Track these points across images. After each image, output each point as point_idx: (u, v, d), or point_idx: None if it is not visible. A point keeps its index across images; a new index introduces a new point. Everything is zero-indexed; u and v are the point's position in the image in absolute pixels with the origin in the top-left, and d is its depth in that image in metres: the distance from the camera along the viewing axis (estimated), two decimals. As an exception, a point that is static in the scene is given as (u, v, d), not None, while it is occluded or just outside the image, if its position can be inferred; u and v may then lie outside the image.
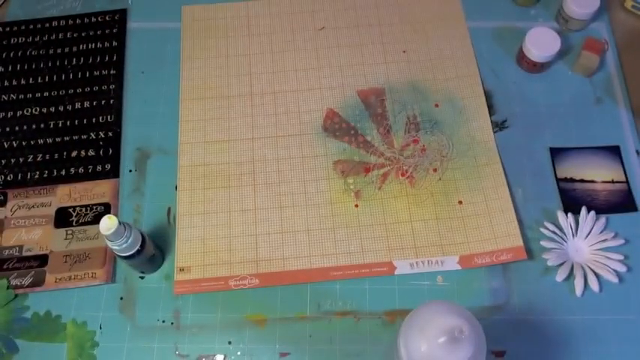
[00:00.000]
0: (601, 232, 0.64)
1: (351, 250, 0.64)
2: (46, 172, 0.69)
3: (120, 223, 0.54)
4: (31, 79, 0.76)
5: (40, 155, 0.70)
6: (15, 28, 0.79)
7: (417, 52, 0.76)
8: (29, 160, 0.70)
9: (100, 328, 0.62)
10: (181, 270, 0.64)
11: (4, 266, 0.64)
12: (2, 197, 0.68)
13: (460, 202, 0.66)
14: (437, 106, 0.72)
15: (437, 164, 0.68)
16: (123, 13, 0.80)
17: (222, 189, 0.68)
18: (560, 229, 0.65)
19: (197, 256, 0.64)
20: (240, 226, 0.66)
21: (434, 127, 0.70)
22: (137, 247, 0.57)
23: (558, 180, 0.68)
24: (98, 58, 0.77)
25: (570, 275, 0.62)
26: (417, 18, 0.78)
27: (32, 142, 0.71)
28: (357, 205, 0.66)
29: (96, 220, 0.66)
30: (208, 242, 0.65)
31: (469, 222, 0.65)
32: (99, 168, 0.70)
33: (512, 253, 0.63)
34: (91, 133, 0.72)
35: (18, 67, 0.76)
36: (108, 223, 0.54)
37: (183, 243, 0.65)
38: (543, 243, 0.64)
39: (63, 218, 0.66)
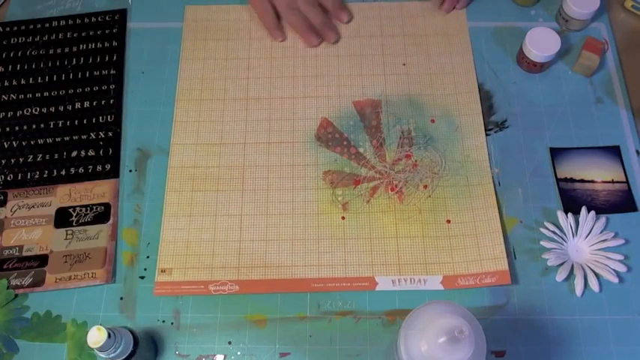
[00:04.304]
0: (601, 232, 0.64)
1: (334, 263, 0.64)
2: (46, 172, 0.69)
3: (109, 335, 0.50)
4: (31, 79, 0.76)
5: (40, 155, 0.70)
6: (15, 28, 0.79)
7: (418, 65, 0.75)
8: (29, 160, 0.70)
9: (100, 328, 0.62)
10: (162, 271, 0.64)
11: (4, 266, 0.64)
12: (2, 197, 0.68)
13: (448, 221, 0.65)
14: (433, 121, 0.71)
15: (428, 181, 0.68)
16: (123, 13, 0.80)
17: (210, 192, 0.68)
18: (560, 229, 0.65)
19: (179, 258, 0.64)
20: (224, 231, 0.66)
21: (428, 143, 0.70)
22: (126, 355, 0.53)
23: (558, 180, 0.68)
24: (98, 58, 0.77)
25: (570, 275, 0.63)
26: (420, 31, 0.77)
27: (32, 142, 0.71)
28: (343, 218, 0.66)
29: (96, 220, 0.66)
30: (192, 245, 0.65)
31: (456, 242, 0.64)
32: (99, 168, 0.70)
33: (497, 277, 0.62)
34: (91, 133, 0.72)
35: (18, 67, 0.76)
36: (97, 336, 0.50)
37: (166, 244, 0.65)
38: (543, 243, 0.64)
39: (63, 218, 0.67)
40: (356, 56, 0.76)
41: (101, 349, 0.51)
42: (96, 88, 0.75)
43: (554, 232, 0.64)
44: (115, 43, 0.78)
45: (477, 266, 0.63)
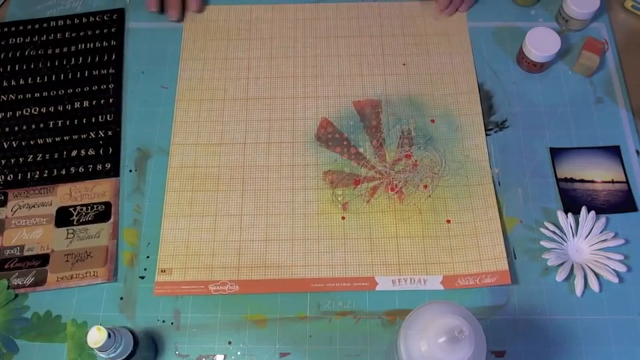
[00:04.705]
0: (601, 232, 0.64)
1: (334, 263, 0.64)
2: (46, 171, 0.69)
3: (109, 335, 0.51)
4: (30, 79, 0.76)
5: (40, 155, 0.70)
6: (13, 29, 0.79)
7: (418, 65, 0.75)
8: (29, 160, 0.70)
9: (101, 328, 0.62)
10: (162, 271, 0.64)
11: (6, 266, 0.64)
12: (3, 197, 0.68)
13: (448, 221, 0.65)
14: (433, 121, 0.71)
15: (428, 181, 0.68)
16: (121, 13, 0.80)
17: (210, 192, 0.68)
18: (560, 229, 0.65)
19: (179, 258, 0.64)
20: (224, 231, 0.66)
21: (428, 143, 0.70)
22: (126, 355, 0.53)
23: (558, 180, 0.68)
24: (97, 58, 0.77)
25: (570, 275, 0.63)
26: (421, 31, 0.77)
27: (32, 142, 0.71)
28: (343, 218, 0.66)
29: (97, 219, 0.66)
30: (192, 245, 0.65)
31: (456, 242, 0.64)
32: (99, 167, 0.70)
33: (497, 277, 0.62)
34: (91, 133, 0.72)
35: (17, 68, 0.76)
36: (97, 336, 0.50)
37: (166, 244, 0.65)
38: (543, 243, 0.64)
39: (64, 217, 0.67)
40: (356, 56, 0.76)
41: (101, 349, 0.51)
42: (95, 88, 0.75)
43: (554, 232, 0.64)
44: (113, 43, 0.78)
45: (477, 266, 0.63)
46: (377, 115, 0.72)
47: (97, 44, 0.78)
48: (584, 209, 0.65)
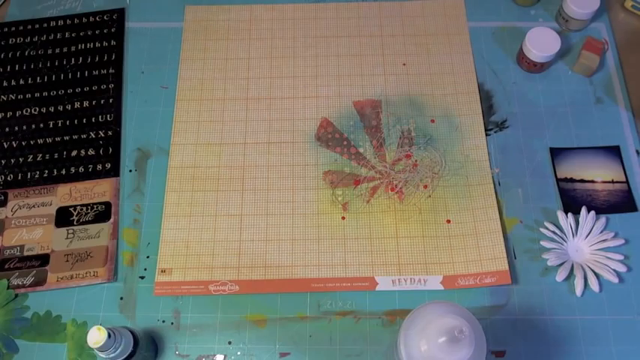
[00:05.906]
0: (601, 232, 0.64)
1: (334, 263, 0.64)
2: (47, 171, 0.69)
3: (109, 335, 0.51)
4: (30, 79, 0.76)
5: (40, 155, 0.71)
6: (13, 29, 0.79)
7: (418, 65, 0.75)
8: (29, 160, 0.70)
9: (101, 328, 0.62)
10: (162, 271, 0.64)
11: (6, 266, 0.64)
12: (3, 197, 0.68)
13: (448, 221, 0.66)
14: (433, 121, 0.71)
15: (428, 181, 0.68)
16: (121, 13, 0.80)
17: (210, 192, 0.68)
18: (560, 229, 0.65)
19: (179, 258, 0.64)
20: (225, 231, 0.66)
21: (428, 143, 0.70)
22: (126, 355, 0.53)
23: (558, 180, 0.68)
24: (97, 58, 0.77)
25: (570, 275, 0.63)
26: (420, 31, 0.77)
27: (32, 142, 0.71)
28: (343, 218, 0.66)
29: (97, 219, 0.66)
30: (192, 245, 0.65)
31: (455, 242, 0.64)
32: (99, 167, 0.70)
33: (497, 277, 0.62)
34: (91, 133, 0.72)
35: (17, 68, 0.76)
36: (97, 336, 0.50)
37: (166, 244, 0.65)
38: (543, 243, 0.64)
39: (64, 217, 0.67)
40: (356, 56, 0.76)
41: (101, 349, 0.51)
42: (95, 88, 0.75)
43: (554, 232, 0.64)
44: (113, 43, 0.78)
45: (477, 266, 0.63)
46: (377, 115, 0.72)
47: (97, 44, 0.78)
48: (584, 209, 0.65)
